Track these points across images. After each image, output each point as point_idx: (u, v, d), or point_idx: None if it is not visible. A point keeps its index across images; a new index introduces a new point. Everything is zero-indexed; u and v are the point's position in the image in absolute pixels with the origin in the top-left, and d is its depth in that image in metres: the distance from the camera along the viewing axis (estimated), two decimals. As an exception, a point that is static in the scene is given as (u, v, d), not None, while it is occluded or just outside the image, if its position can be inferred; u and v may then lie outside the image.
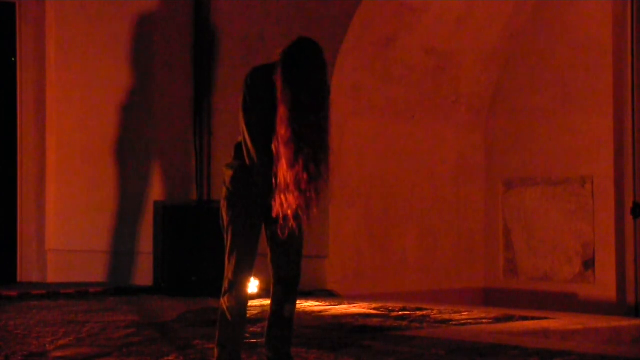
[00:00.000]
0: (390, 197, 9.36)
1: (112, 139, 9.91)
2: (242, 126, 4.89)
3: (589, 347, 6.12)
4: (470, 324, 7.10)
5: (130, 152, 9.84)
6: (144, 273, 9.40)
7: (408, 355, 5.80)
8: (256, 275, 8.60)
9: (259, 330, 6.75)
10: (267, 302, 7.92)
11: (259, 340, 6.25)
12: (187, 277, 8.88)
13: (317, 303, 8.21)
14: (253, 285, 8.56)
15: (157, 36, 9.78)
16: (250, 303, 8.17)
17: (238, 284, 4.98)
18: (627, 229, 8.64)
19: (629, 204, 8.65)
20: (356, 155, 9.17)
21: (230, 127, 9.54)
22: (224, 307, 5.00)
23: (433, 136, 9.65)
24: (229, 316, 5.00)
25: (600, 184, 8.99)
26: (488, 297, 9.81)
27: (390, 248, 9.40)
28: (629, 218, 8.64)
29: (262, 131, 4.81)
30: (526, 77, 9.64)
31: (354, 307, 7.99)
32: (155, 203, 9.34)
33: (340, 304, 8.15)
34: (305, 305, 8.09)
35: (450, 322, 7.14)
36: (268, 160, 4.78)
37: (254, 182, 4.86)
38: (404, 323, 7.10)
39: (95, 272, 9.72)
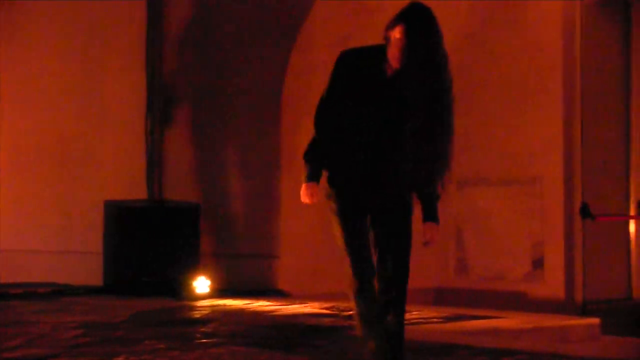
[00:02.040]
0: (342, 197, 9.36)
1: (64, 139, 9.84)
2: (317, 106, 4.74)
3: (538, 346, 6.17)
4: (421, 323, 7.13)
5: (82, 153, 9.78)
6: (94, 273, 9.33)
7: (359, 356, 5.81)
8: (207, 275, 8.61)
9: (209, 330, 6.74)
10: (219, 302, 7.87)
11: (209, 340, 6.24)
12: (138, 277, 8.83)
13: (268, 303, 8.21)
14: (204, 285, 8.54)
15: (110, 37, 9.73)
16: (201, 303, 8.19)
17: (363, 285, 4.69)
18: (576, 228, 8.73)
19: (577, 204, 8.74)
20: (309, 154, 9.17)
21: (183, 127, 9.53)
22: (358, 310, 4.72)
23: (385, 136, 9.67)
24: (364, 318, 4.73)
25: (549, 185, 9.06)
26: (439, 296, 9.86)
27: (343, 248, 9.40)
28: (577, 218, 8.73)
29: (330, 115, 4.68)
30: (479, 78, 9.69)
31: (306, 306, 8.00)
32: (106, 203, 9.28)
33: (291, 304, 8.15)
34: (256, 305, 8.09)
35: (401, 322, 7.16)
36: (325, 143, 4.64)
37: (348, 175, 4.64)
38: (355, 322, 7.10)
39: (44, 272, 9.64)
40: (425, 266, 9.93)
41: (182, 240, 8.87)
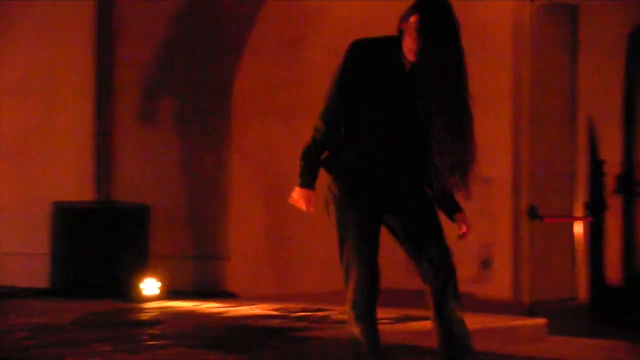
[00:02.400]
0: (292, 198, 9.36)
1: (11, 139, 9.74)
2: (326, 100, 4.39)
3: (486, 346, 6.21)
4: (370, 324, 7.13)
5: (30, 154, 9.68)
6: (40, 275, 9.24)
7: (309, 356, 5.82)
8: (156, 277, 8.57)
9: (158, 332, 6.71)
10: (168, 303, 7.83)
11: (158, 342, 6.21)
12: (86, 279, 8.76)
13: (217, 304, 8.19)
14: (153, 287, 8.49)
15: (59, 36, 9.65)
16: (150, 305, 8.15)
17: (363, 304, 4.42)
18: (523, 229, 8.80)
19: (525, 205, 8.81)
20: (260, 155, 9.18)
21: (131, 126, 9.47)
22: (357, 335, 4.38)
23: (336, 137, 9.68)
24: (364, 346, 4.38)
25: (498, 186, 9.12)
26: (388, 297, 9.86)
27: (293, 248, 9.41)
28: (525, 219, 8.80)
29: (341, 111, 4.32)
30: (427, 80, 9.73)
31: (255, 308, 7.99)
32: (55, 204, 9.20)
33: (240, 305, 8.14)
34: (204, 306, 8.06)
35: (351, 323, 7.17)
36: (330, 143, 4.33)
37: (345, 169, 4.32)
38: (304, 324, 7.12)
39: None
40: (375, 267, 9.96)
41: (131, 241, 8.82)
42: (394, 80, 4.29)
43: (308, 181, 4.39)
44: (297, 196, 4.44)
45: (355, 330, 4.42)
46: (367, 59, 4.35)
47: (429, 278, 4.52)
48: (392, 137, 4.31)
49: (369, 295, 4.45)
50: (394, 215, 4.43)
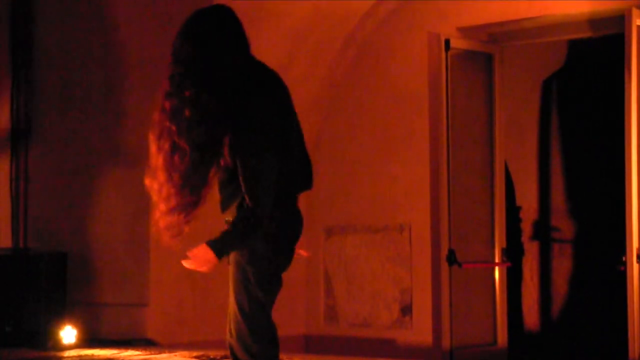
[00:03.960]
0: (212, 244, 9.31)
1: None
2: None
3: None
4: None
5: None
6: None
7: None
8: (74, 325, 8.43)
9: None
10: (86, 352, 7.75)
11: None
12: (1, 327, 8.59)
13: (137, 352, 8.09)
14: (71, 335, 8.35)
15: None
16: (68, 353, 8.01)
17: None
18: (443, 275, 8.86)
19: (444, 251, 8.88)
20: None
21: (48, 173, 9.36)
22: None
23: (255, 183, 9.67)
24: None
25: (417, 231, 9.19)
26: (309, 343, 9.87)
27: (212, 295, 9.34)
28: (444, 264, 8.86)
29: None
30: (347, 126, 9.80)
31: (175, 355, 7.90)
32: (-32, 251, 9.04)
33: (161, 353, 8.04)
34: (124, 354, 7.95)
35: (272, 370, 7.13)
36: None
37: None
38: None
39: None
40: (295, 313, 9.94)
41: (48, 289, 8.67)
42: None
43: None
44: None
45: None
46: None
47: None
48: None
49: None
50: None
